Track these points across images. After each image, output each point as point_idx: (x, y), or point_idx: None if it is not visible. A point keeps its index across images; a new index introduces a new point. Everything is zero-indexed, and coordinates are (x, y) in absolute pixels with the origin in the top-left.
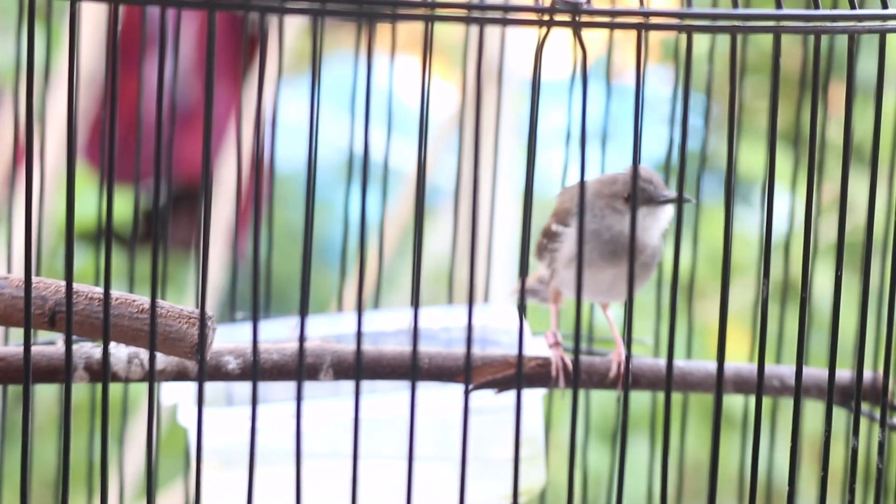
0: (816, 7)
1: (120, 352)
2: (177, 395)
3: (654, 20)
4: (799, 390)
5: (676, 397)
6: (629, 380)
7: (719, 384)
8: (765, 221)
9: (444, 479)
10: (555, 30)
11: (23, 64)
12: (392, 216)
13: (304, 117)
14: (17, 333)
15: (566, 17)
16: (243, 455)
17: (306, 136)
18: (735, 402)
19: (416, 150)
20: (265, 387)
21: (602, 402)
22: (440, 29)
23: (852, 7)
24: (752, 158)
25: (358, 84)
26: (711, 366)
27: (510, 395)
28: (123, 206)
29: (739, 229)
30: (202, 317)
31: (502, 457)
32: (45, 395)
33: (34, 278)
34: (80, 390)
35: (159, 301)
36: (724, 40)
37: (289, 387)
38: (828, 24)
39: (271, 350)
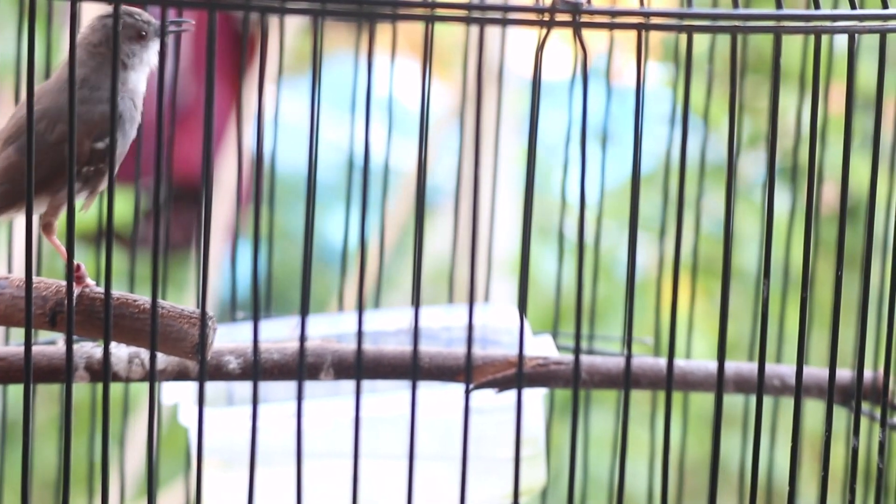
0: (817, 7)
1: (121, 351)
2: (177, 395)
3: (654, 20)
4: (799, 390)
5: (676, 396)
6: (629, 380)
7: (720, 384)
8: (765, 221)
9: (444, 479)
10: (555, 30)
11: (22, 63)
12: (390, 215)
13: (303, 117)
14: (18, 333)
15: (567, 18)
16: (244, 455)
17: (306, 136)
18: (735, 402)
19: (415, 149)
20: (265, 386)
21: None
22: (435, 28)
23: (853, 7)
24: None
25: (357, 85)
26: (712, 365)
27: (510, 394)
28: (123, 206)
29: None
30: (203, 317)
31: (503, 456)
32: (44, 394)
33: (35, 278)
34: (80, 390)
35: (160, 301)
36: (723, 40)
37: (289, 386)
38: (828, 23)
39: (272, 350)
